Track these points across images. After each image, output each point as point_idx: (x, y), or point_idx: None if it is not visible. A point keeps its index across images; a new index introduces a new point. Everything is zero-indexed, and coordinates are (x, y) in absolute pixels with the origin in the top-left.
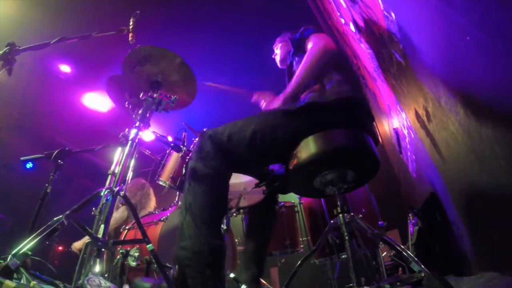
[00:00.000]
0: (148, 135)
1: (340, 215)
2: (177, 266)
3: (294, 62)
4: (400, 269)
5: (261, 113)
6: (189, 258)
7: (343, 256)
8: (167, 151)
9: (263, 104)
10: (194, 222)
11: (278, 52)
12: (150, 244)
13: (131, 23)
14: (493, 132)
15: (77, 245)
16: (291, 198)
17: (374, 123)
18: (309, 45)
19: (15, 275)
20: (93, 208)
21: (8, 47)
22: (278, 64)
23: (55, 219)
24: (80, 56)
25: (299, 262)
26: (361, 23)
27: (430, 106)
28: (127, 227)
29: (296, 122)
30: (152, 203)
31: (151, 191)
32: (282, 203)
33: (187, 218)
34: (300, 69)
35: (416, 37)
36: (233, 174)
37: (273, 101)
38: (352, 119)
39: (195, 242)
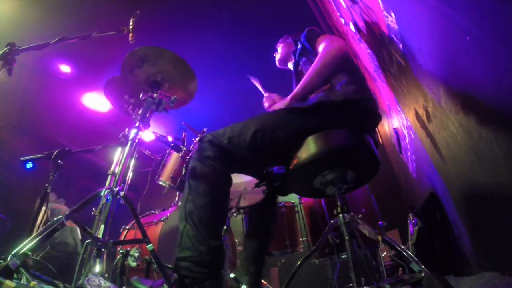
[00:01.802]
0: (148, 135)
1: (340, 215)
2: (176, 275)
3: (301, 62)
4: (400, 269)
5: (261, 114)
6: (189, 269)
7: (343, 256)
8: (167, 151)
9: (266, 106)
10: (194, 227)
11: (279, 51)
12: (150, 244)
13: (131, 23)
14: (493, 132)
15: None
16: (291, 198)
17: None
18: (322, 46)
19: (15, 275)
20: (93, 208)
21: (8, 47)
22: (277, 63)
23: (55, 219)
24: (80, 56)
25: (299, 262)
26: (361, 23)
27: (430, 106)
28: (127, 227)
29: (302, 121)
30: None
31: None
32: (282, 203)
33: (186, 227)
34: (310, 71)
35: (416, 37)
36: (233, 174)
37: (280, 102)
38: (358, 120)
39: (194, 250)
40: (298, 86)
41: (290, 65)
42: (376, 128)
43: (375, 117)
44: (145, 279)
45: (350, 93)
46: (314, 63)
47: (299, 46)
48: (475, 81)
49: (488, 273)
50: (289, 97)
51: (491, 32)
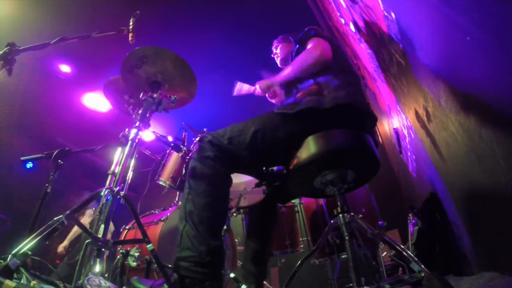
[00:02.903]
0: (148, 135)
1: (340, 215)
2: (176, 275)
3: None
4: (400, 269)
5: (260, 115)
6: (189, 269)
7: (343, 256)
8: (167, 151)
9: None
10: (193, 227)
11: (278, 52)
12: (150, 244)
13: (131, 23)
14: (493, 132)
15: (62, 246)
16: None
17: (376, 125)
18: (308, 46)
19: (15, 275)
20: (93, 208)
21: (8, 47)
22: (278, 63)
23: (55, 219)
24: (80, 56)
25: (299, 262)
26: (361, 23)
27: (430, 106)
28: (127, 227)
29: (294, 125)
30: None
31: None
32: None
33: (186, 227)
34: (292, 65)
35: (416, 37)
36: (233, 174)
37: (265, 80)
38: (353, 122)
39: (194, 250)
40: (280, 76)
41: None
42: (376, 128)
43: (370, 119)
44: (145, 279)
45: (340, 98)
46: (294, 61)
47: (297, 46)
48: (475, 81)
49: (488, 273)
50: (272, 79)
51: (491, 32)
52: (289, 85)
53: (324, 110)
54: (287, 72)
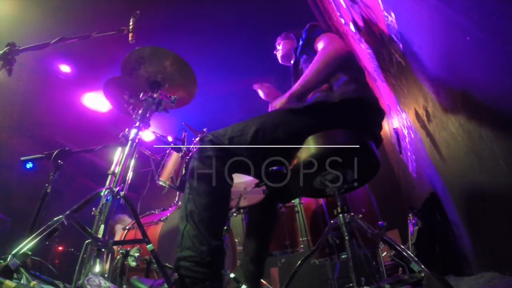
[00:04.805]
0: (148, 135)
1: (340, 215)
2: (176, 274)
3: (301, 60)
4: (400, 269)
5: (261, 115)
6: (190, 269)
7: (343, 256)
8: (167, 151)
9: (268, 99)
10: (194, 227)
11: (280, 48)
12: (150, 244)
13: (131, 23)
14: (493, 132)
15: None
16: None
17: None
18: (320, 45)
19: (15, 275)
20: (93, 208)
21: (8, 47)
22: (279, 60)
23: (55, 219)
24: (80, 56)
25: (299, 262)
26: (361, 23)
27: (430, 106)
28: (127, 227)
29: (301, 121)
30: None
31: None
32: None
33: (187, 227)
34: (309, 70)
35: (416, 37)
36: (233, 174)
37: (278, 98)
38: (358, 119)
39: (195, 249)
40: (297, 84)
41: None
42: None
43: (379, 114)
44: (145, 278)
45: (349, 92)
46: (313, 61)
47: (300, 42)
48: (475, 81)
49: (488, 273)
50: (287, 94)
51: (491, 32)
52: None
53: (333, 105)
54: (306, 79)
